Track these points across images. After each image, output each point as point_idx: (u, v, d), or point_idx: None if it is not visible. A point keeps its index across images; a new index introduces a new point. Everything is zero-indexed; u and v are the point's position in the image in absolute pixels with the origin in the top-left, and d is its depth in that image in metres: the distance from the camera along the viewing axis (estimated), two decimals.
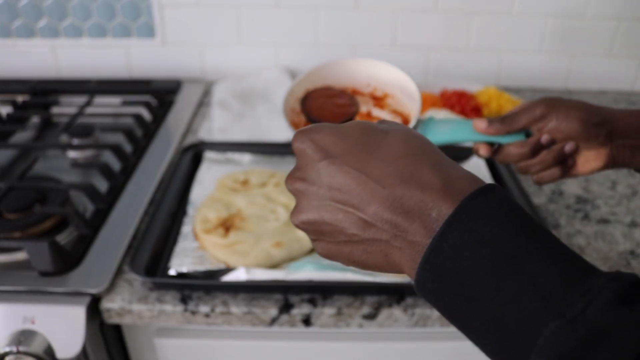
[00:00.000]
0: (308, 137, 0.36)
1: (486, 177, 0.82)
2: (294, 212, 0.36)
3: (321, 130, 0.36)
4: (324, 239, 0.36)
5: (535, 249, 0.28)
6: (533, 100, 0.56)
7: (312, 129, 0.36)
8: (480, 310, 0.28)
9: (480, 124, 0.56)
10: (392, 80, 0.61)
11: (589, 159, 0.56)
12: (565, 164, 0.57)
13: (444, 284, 0.29)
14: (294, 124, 0.60)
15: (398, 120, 0.62)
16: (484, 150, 0.57)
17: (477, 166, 0.85)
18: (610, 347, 0.24)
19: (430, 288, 0.30)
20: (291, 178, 0.37)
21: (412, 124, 0.56)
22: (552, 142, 0.55)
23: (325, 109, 0.65)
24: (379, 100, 0.63)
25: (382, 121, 0.38)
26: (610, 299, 0.25)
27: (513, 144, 0.56)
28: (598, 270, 0.28)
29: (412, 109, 0.58)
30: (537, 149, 0.55)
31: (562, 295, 0.26)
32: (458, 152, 0.88)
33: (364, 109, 0.64)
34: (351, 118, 0.66)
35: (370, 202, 0.32)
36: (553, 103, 0.55)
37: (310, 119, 0.64)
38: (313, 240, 0.37)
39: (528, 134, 0.56)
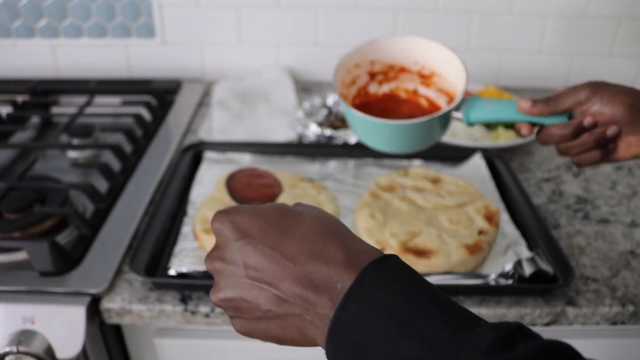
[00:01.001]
0: (227, 218, 0.38)
1: (486, 177, 0.82)
2: (213, 290, 0.38)
3: (239, 211, 0.38)
4: (241, 316, 0.37)
5: (424, 309, 0.31)
6: (578, 84, 0.56)
7: (231, 210, 0.39)
8: None
9: (525, 104, 0.56)
10: (440, 59, 0.62)
11: (631, 144, 0.56)
12: (606, 148, 0.57)
13: (350, 352, 0.31)
14: (343, 96, 0.61)
15: (444, 98, 0.63)
16: (525, 130, 0.57)
17: (477, 166, 0.85)
18: None
19: (339, 358, 0.32)
20: (210, 257, 0.39)
21: (457, 102, 0.56)
22: (594, 125, 0.55)
23: (250, 188, 0.71)
24: (425, 79, 0.64)
25: (298, 204, 0.41)
26: (488, 346, 0.28)
27: (555, 125, 0.56)
28: (482, 321, 0.30)
29: (458, 87, 0.59)
30: (579, 131, 0.55)
31: (448, 346, 0.29)
32: (459, 152, 0.88)
33: (410, 86, 0.65)
34: (274, 199, 0.70)
35: (283, 279, 0.34)
36: (598, 86, 0.55)
37: (235, 199, 0.69)
38: (231, 318, 0.39)
39: (571, 116, 0.56)
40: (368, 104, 0.57)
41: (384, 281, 0.32)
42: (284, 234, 0.36)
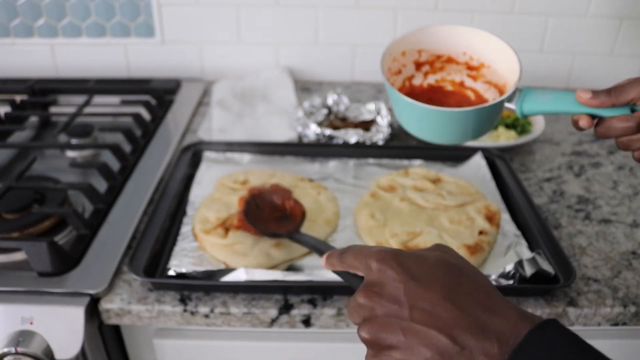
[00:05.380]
0: (392, 257, 0.39)
1: (487, 177, 0.82)
2: (366, 326, 0.38)
3: (404, 253, 0.40)
4: (387, 357, 0.37)
5: None
6: None
7: (396, 251, 0.40)
8: None
9: (584, 94, 0.53)
10: (491, 49, 0.60)
11: None
12: None
13: None
14: (390, 83, 0.59)
15: (492, 91, 0.61)
16: (584, 122, 0.54)
17: (477, 166, 0.85)
18: None
19: None
20: (367, 292, 0.39)
21: (510, 91, 0.54)
22: None
23: (273, 220, 0.69)
24: (474, 70, 0.62)
25: (446, 251, 0.42)
26: None
27: (617, 117, 0.53)
28: None
29: (510, 79, 0.57)
30: None
31: None
32: (459, 152, 0.88)
33: (457, 78, 0.63)
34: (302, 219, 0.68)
35: (455, 327, 0.35)
36: None
37: (266, 233, 0.66)
38: (372, 357, 0.38)
39: (633, 109, 0.53)
40: (413, 95, 0.55)
41: (556, 340, 0.34)
42: (454, 285, 0.38)
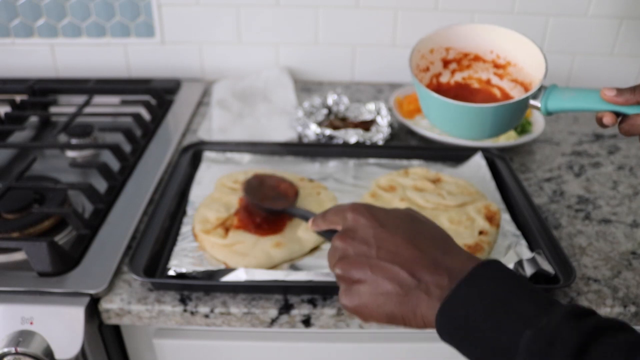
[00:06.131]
0: (365, 208, 0.47)
1: (487, 177, 0.82)
2: (337, 261, 0.46)
3: (374, 206, 0.48)
4: (356, 290, 0.44)
5: (518, 294, 0.39)
6: None
7: (367, 204, 0.48)
8: (479, 334, 0.38)
9: (609, 92, 0.53)
10: (518, 47, 0.60)
11: None
12: None
13: (456, 324, 0.39)
14: (419, 80, 0.60)
15: (518, 89, 0.62)
16: (608, 119, 0.54)
17: (477, 166, 0.85)
18: (560, 344, 0.35)
19: (447, 328, 0.40)
20: (342, 235, 0.46)
21: (533, 90, 0.55)
22: None
23: (269, 198, 0.72)
24: (500, 68, 0.63)
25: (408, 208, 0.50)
26: (564, 314, 0.36)
27: None
28: (562, 303, 0.39)
29: (536, 77, 0.58)
30: None
31: (534, 315, 0.37)
32: (459, 152, 0.88)
33: (483, 76, 0.64)
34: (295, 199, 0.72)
35: (414, 263, 0.42)
36: None
37: (262, 207, 0.70)
38: (344, 291, 0.45)
39: None
40: (440, 93, 0.56)
41: (496, 274, 0.40)
42: (415, 232, 0.45)
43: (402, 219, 0.46)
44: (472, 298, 0.39)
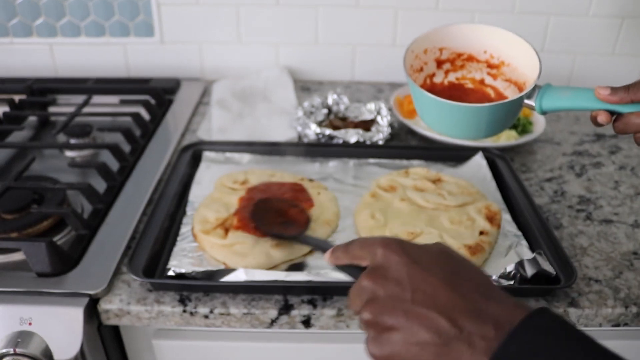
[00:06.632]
0: (396, 243, 0.42)
1: (487, 177, 0.82)
2: (368, 306, 0.40)
3: (406, 242, 0.43)
4: (387, 338, 0.38)
5: (576, 350, 0.35)
6: None
7: (399, 239, 0.43)
8: None
9: (603, 91, 0.53)
10: (511, 48, 0.61)
11: None
12: None
13: None
14: (413, 80, 0.60)
15: (512, 89, 0.62)
16: (603, 118, 0.54)
17: (478, 166, 0.84)
18: None
19: None
20: (372, 275, 0.41)
21: (528, 90, 0.55)
22: None
23: (278, 224, 0.68)
24: (494, 68, 0.63)
25: (439, 243, 0.45)
26: None
27: (635, 113, 0.53)
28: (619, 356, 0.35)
29: (530, 76, 0.57)
30: None
31: None
32: (460, 152, 0.88)
33: (477, 76, 0.64)
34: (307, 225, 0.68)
35: (454, 310, 0.37)
36: None
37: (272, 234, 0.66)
38: (371, 339, 0.39)
39: None
40: (434, 93, 0.56)
41: (549, 326, 0.36)
42: (453, 272, 0.40)
43: (439, 257, 0.41)
44: (525, 354, 0.35)
